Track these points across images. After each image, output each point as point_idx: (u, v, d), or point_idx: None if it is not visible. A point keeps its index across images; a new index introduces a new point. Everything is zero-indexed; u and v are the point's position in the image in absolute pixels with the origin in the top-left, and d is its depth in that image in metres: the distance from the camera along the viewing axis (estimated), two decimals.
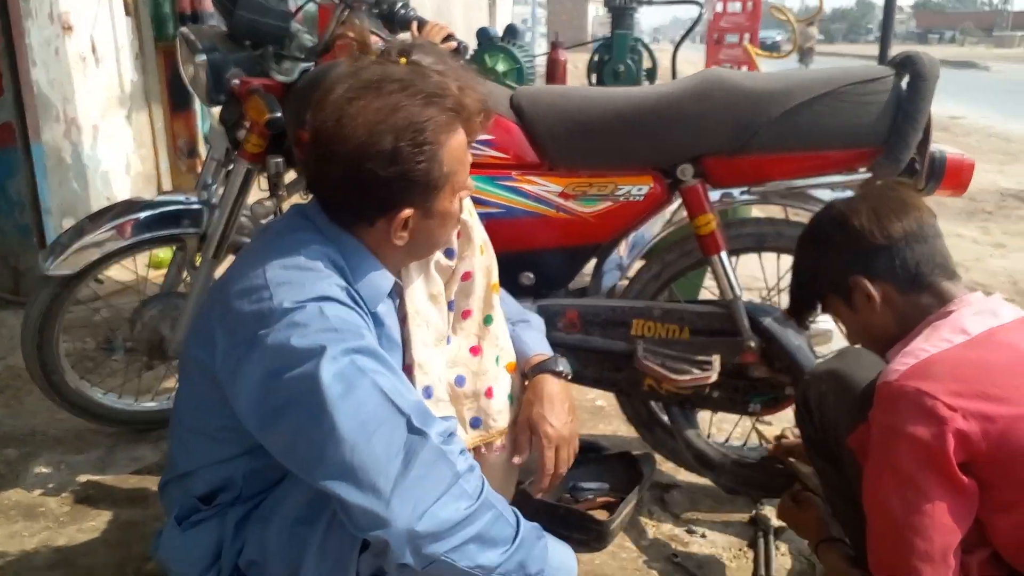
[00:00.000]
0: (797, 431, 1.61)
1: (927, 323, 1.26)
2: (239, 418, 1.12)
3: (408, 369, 1.31)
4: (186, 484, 1.27)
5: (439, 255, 1.37)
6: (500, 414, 1.44)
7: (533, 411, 1.41)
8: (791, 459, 1.73)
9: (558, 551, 1.23)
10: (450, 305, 1.42)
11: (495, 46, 3.05)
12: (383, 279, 1.22)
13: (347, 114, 1.12)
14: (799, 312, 1.48)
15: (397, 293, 1.31)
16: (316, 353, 1.05)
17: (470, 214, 1.43)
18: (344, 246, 1.20)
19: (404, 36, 1.93)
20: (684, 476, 2.09)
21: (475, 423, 1.43)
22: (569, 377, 1.49)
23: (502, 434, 1.44)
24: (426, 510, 1.04)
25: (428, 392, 1.33)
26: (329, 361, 1.05)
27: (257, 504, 1.23)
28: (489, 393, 1.43)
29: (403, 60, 1.26)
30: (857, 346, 1.44)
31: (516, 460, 1.43)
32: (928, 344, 1.19)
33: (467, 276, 1.43)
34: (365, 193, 1.15)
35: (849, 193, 1.80)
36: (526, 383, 1.49)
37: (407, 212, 1.16)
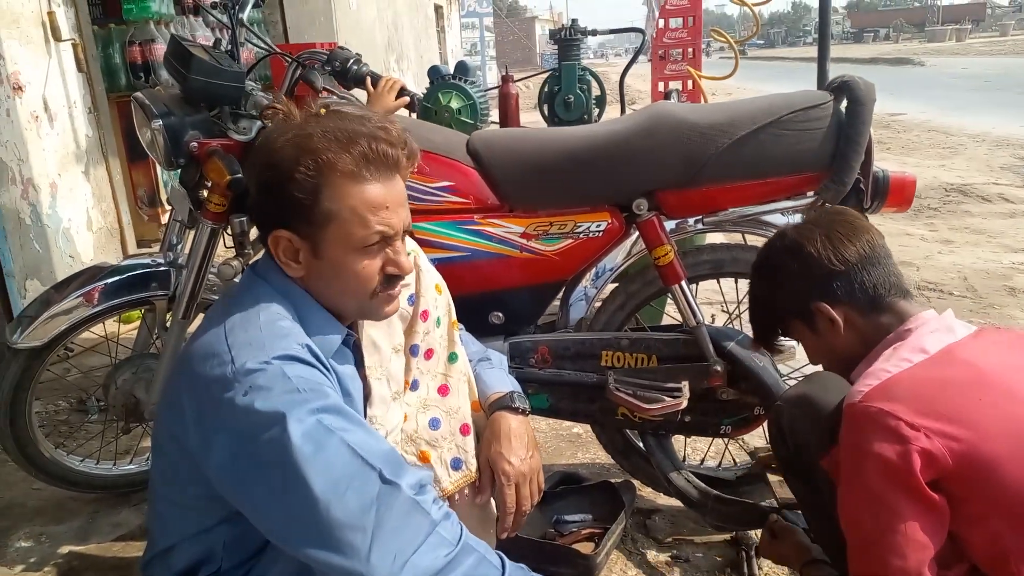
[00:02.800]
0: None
1: (887, 344, 1.30)
2: (213, 485, 1.13)
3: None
4: (167, 560, 1.26)
5: (402, 302, 1.39)
6: (479, 452, 1.46)
7: (491, 449, 1.42)
8: (775, 468, 1.77)
9: None
10: (413, 349, 1.44)
11: (447, 84, 3.09)
12: (334, 328, 1.24)
13: (271, 137, 1.21)
14: (764, 339, 1.53)
15: (354, 344, 1.32)
16: (282, 416, 1.06)
17: (417, 254, 1.46)
18: (294, 296, 1.22)
19: (358, 91, 1.97)
20: (664, 500, 2.14)
21: (456, 464, 1.43)
22: (528, 412, 1.50)
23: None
24: (406, 561, 1.05)
25: None
26: (296, 423, 1.05)
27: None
28: (465, 430, 1.44)
29: (323, 111, 1.28)
30: (823, 370, 1.49)
31: (478, 500, 1.43)
32: (889, 365, 1.23)
33: (425, 315, 1.44)
34: (258, 201, 1.22)
35: (798, 218, 1.88)
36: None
37: (282, 232, 1.19)
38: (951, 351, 1.24)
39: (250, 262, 2.00)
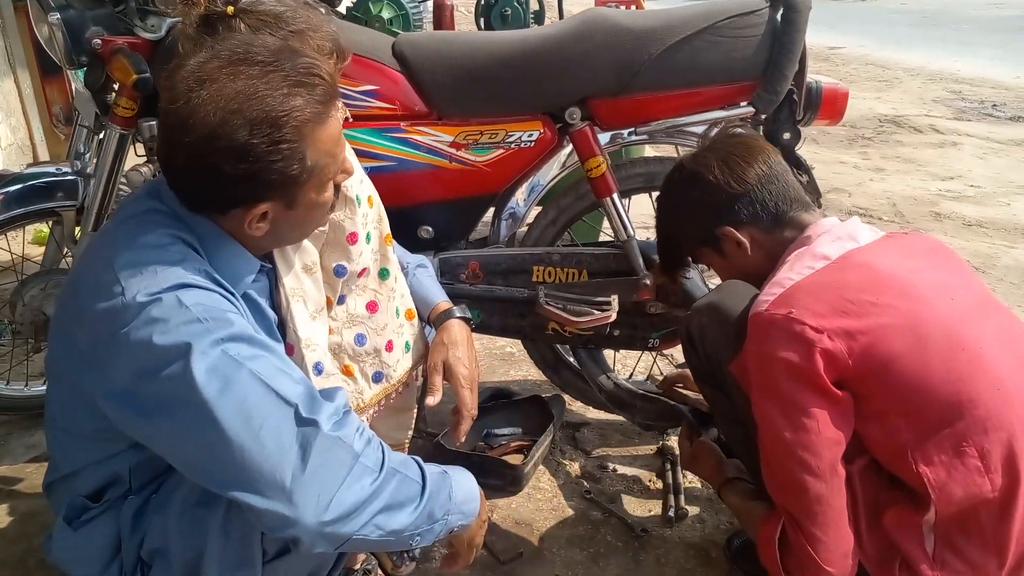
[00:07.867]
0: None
1: (789, 252, 1.34)
2: (113, 423, 1.05)
3: (291, 348, 1.27)
4: (71, 483, 1.19)
5: None
6: (399, 364, 1.47)
7: (449, 354, 1.44)
8: (679, 388, 1.80)
9: (462, 485, 1.21)
10: (338, 270, 1.38)
11: None
12: (245, 263, 1.14)
13: (198, 97, 0.99)
14: (672, 270, 1.57)
15: (267, 273, 1.25)
16: (183, 350, 0.97)
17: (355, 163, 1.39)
18: (200, 229, 1.10)
19: None
20: (593, 414, 2.16)
21: (377, 377, 1.45)
22: (472, 324, 1.53)
23: (401, 382, 1.48)
24: (332, 498, 1.01)
25: (319, 368, 1.31)
26: (199, 356, 0.97)
27: (154, 491, 1.18)
28: (389, 346, 1.45)
29: (230, 9, 1.18)
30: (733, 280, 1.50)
31: (431, 401, 1.42)
32: (792, 273, 1.27)
33: (353, 238, 1.38)
34: (212, 186, 1.04)
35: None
36: (427, 328, 1.54)
37: (262, 207, 1.07)
38: (850, 255, 1.27)
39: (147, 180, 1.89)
